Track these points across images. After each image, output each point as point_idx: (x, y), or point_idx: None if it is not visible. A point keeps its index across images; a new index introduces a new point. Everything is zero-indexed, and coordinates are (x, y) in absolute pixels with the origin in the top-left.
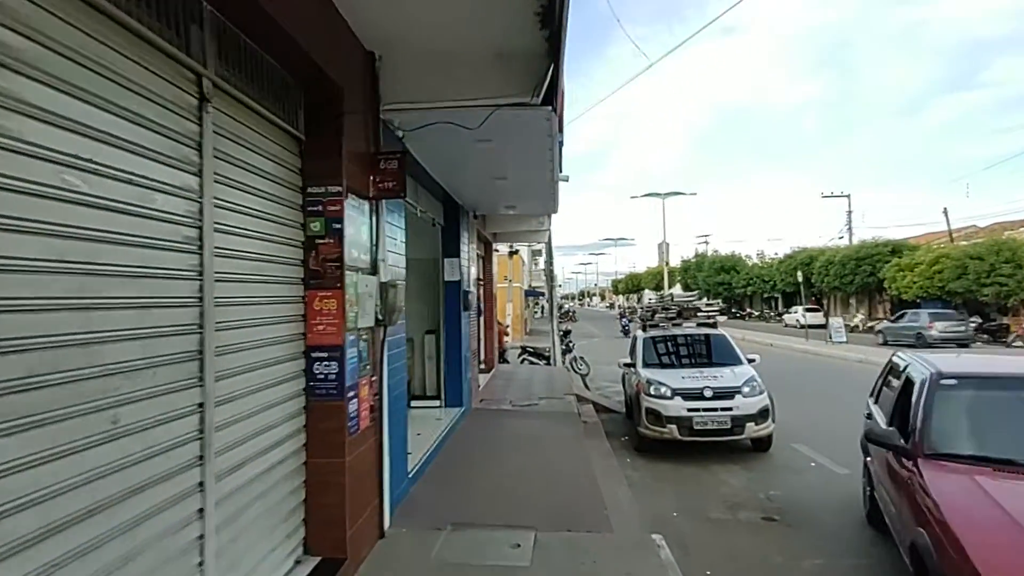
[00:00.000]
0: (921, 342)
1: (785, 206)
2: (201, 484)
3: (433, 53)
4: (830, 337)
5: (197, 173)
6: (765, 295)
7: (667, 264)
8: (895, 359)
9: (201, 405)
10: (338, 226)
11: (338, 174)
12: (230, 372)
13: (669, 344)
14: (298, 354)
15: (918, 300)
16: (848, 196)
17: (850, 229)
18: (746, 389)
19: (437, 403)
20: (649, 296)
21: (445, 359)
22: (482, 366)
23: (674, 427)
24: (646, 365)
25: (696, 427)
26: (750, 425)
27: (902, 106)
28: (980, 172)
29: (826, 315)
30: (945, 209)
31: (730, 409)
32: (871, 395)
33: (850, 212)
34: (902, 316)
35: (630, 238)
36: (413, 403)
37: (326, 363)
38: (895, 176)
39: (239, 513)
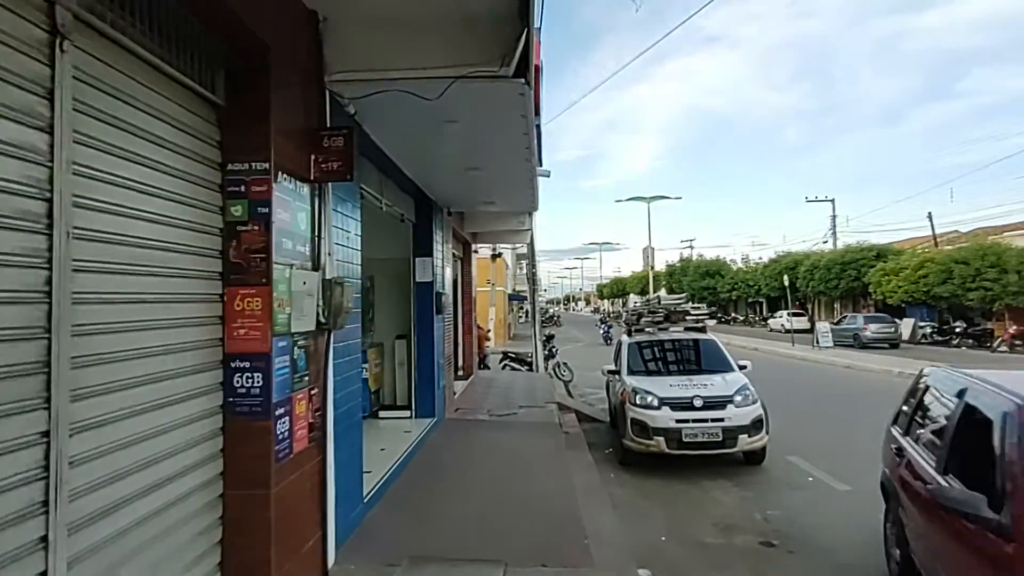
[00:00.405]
0: (858, 342)
1: (768, 212)
2: (44, 539)
3: (387, 14)
4: (817, 342)
5: (46, 130)
6: (750, 300)
7: (652, 268)
8: (932, 378)
9: (46, 433)
10: (264, 210)
11: (265, 148)
12: (100, 389)
13: (656, 350)
14: (214, 363)
15: (903, 304)
16: (832, 200)
17: (834, 234)
18: (738, 398)
19: (407, 413)
20: (634, 300)
21: (416, 366)
22: (460, 373)
23: (661, 439)
24: (632, 372)
25: (685, 439)
26: (743, 437)
27: (881, 115)
28: (961, 178)
29: (811, 320)
30: (930, 214)
31: (721, 420)
32: (894, 422)
33: (834, 216)
34: (843, 319)
35: (615, 243)
36: (382, 414)
37: (248, 374)
38: (874, 183)
39: (110, 572)
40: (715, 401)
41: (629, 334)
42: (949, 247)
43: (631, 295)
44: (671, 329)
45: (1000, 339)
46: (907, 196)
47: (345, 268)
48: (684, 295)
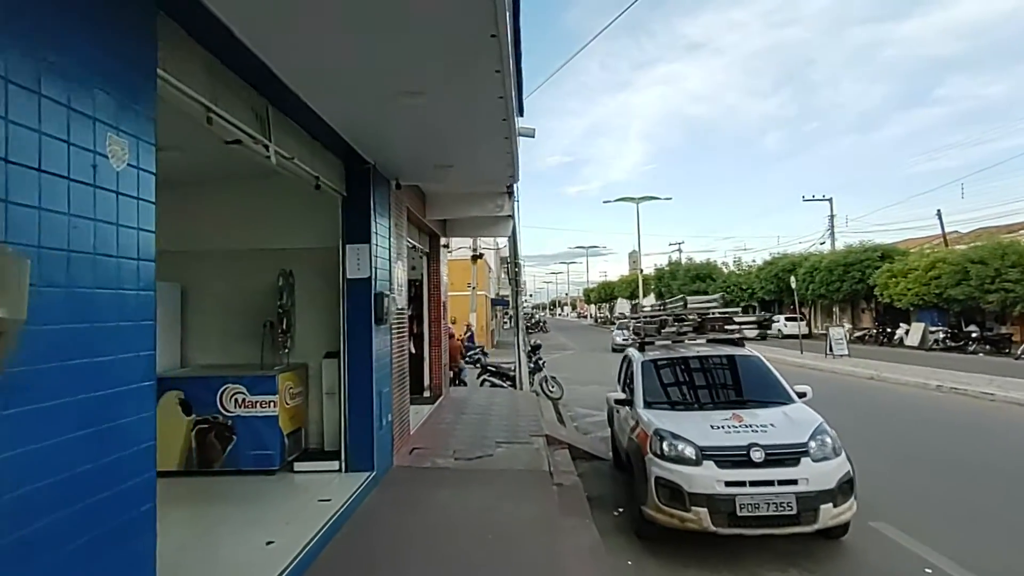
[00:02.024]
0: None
1: (753, 216)
2: None
3: None
4: (830, 349)
5: None
6: (743, 304)
7: (641, 271)
8: None
9: None
10: None
11: None
12: None
13: (680, 371)
14: None
15: (911, 308)
16: (830, 200)
17: (832, 234)
18: (814, 446)
19: (335, 464)
20: (643, 304)
21: (348, 397)
22: (425, 394)
23: (704, 512)
24: (650, 405)
25: (741, 512)
26: (826, 508)
27: (861, 121)
28: (969, 178)
29: (808, 324)
30: (939, 212)
31: (795, 482)
32: None
33: (832, 216)
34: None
35: (602, 246)
36: (300, 465)
37: None
38: (856, 189)
39: None
40: (782, 453)
41: (641, 348)
42: (963, 246)
43: (619, 299)
44: (687, 342)
45: (1023, 347)
46: (898, 200)
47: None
48: (718, 296)
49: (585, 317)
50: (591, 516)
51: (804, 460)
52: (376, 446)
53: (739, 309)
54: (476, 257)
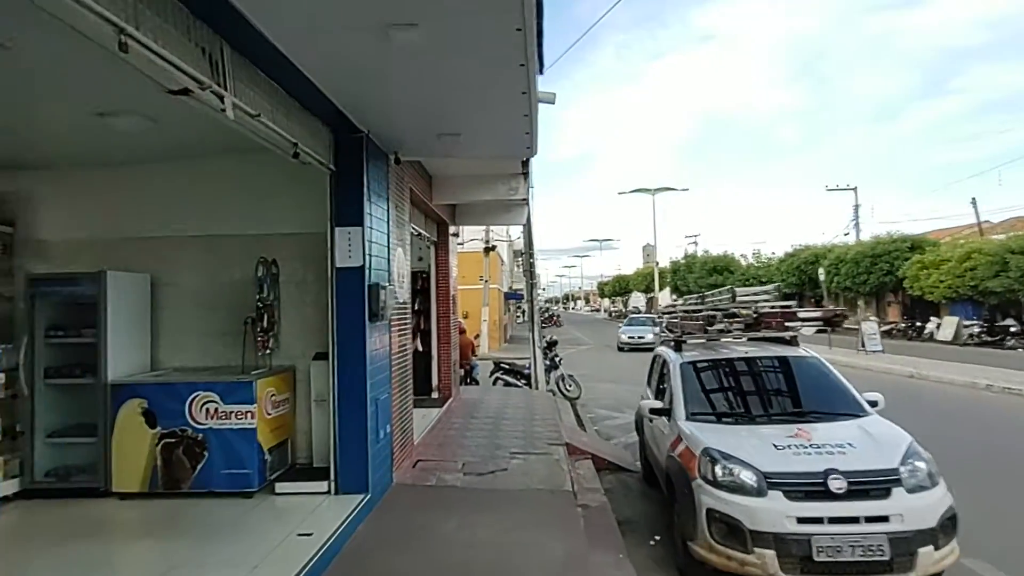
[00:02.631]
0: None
1: (771, 208)
2: None
3: None
4: (862, 344)
5: None
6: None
7: (657, 264)
8: None
9: None
10: None
11: None
12: None
13: (727, 376)
14: None
15: (943, 301)
16: (855, 189)
17: (857, 225)
18: (906, 472)
19: (324, 485)
20: (659, 297)
21: (338, 406)
22: (433, 396)
23: (770, 555)
24: (694, 416)
25: (819, 557)
26: (926, 551)
27: (878, 112)
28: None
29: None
30: (974, 200)
31: (886, 519)
32: None
33: (857, 206)
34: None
35: (615, 239)
36: (282, 486)
37: None
38: (874, 180)
39: None
40: (869, 482)
41: (678, 349)
42: (1000, 236)
43: (634, 292)
44: (725, 340)
45: None
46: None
47: None
48: (772, 287)
49: (598, 311)
50: (624, 551)
51: (896, 491)
52: (371, 463)
53: (792, 302)
54: (488, 249)
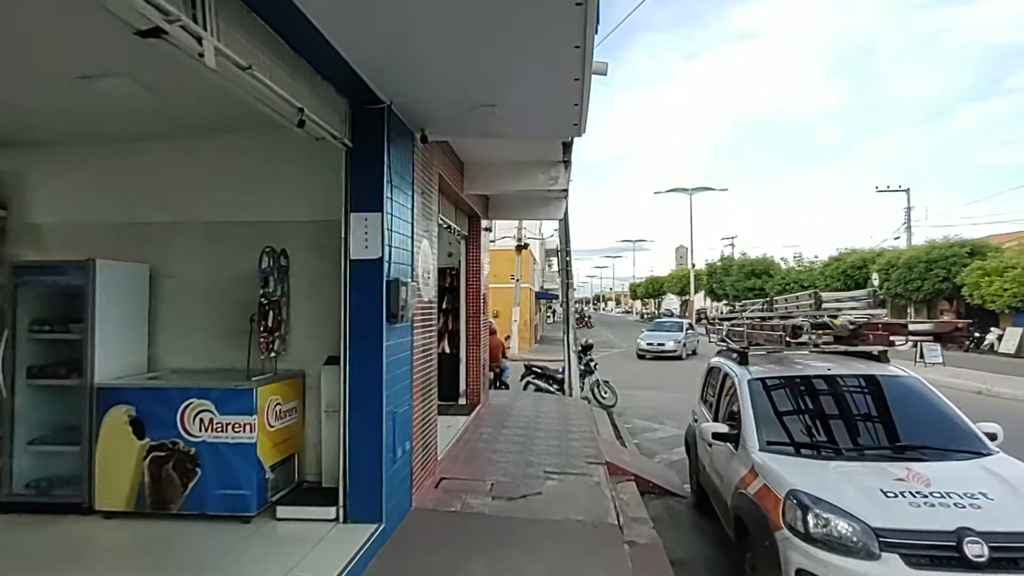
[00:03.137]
0: None
1: (809, 210)
2: None
3: None
4: (921, 356)
5: None
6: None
7: (693, 266)
8: None
9: None
10: None
11: None
12: None
13: (803, 397)
14: None
15: (1006, 310)
16: (907, 191)
17: (909, 228)
18: None
19: (331, 512)
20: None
21: (349, 420)
22: (461, 401)
23: None
24: (771, 446)
25: None
26: None
27: (926, 113)
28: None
29: None
30: None
31: None
32: None
33: (909, 209)
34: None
35: (649, 239)
36: (284, 510)
37: None
38: (920, 182)
39: None
40: (1018, 547)
41: (743, 362)
42: None
43: (668, 295)
44: (795, 352)
45: None
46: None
47: None
48: (865, 292)
49: (629, 312)
50: None
51: None
52: (386, 487)
53: (885, 311)
54: (521, 247)
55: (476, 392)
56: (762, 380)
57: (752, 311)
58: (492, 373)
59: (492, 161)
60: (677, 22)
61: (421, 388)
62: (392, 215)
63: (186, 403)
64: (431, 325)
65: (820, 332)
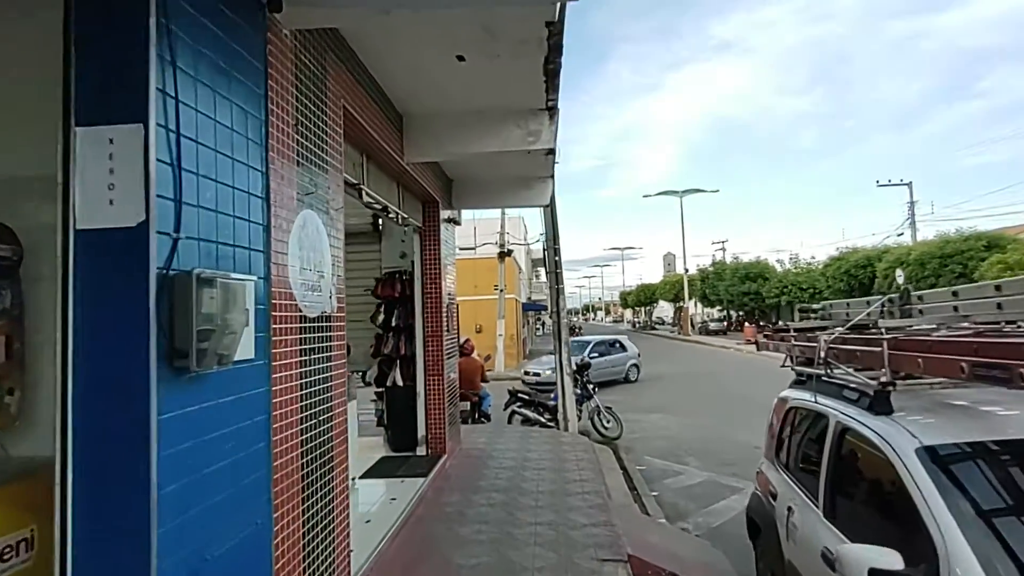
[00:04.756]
0: None
1: (793, 213)
2: None
3: None
4: None
5: None
6: (800, 305)
7: (687, 271)
8: None
9: None
10: None
11: None
12: None
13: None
14: None
15: None
16: (909, 184)
17: (913, 223)
18: None
19: None
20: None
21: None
22: (420, 451)
23: None
24: None
25: None
26: None
27: (899, 117)
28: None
29: None
30: None
31: None
32: None
33: (912, 203)
34: None
35: (637, 247)
36: None
37: None
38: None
39: None
40: None
41: (882, 410)
42: None
43: (660, 302)
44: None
45: None
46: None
47: None
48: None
49: (619, 321)
50: None
51: None
52: None
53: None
54: (504, 254)
55: (440, 438)
56: (954, 455)
57: (851, 314)
58: (468, 403)
59: (444, 111)
60: (655, 35)
61: (307, 485)
62: (195, 140)
63: None
64: (338, 360)
65: None
